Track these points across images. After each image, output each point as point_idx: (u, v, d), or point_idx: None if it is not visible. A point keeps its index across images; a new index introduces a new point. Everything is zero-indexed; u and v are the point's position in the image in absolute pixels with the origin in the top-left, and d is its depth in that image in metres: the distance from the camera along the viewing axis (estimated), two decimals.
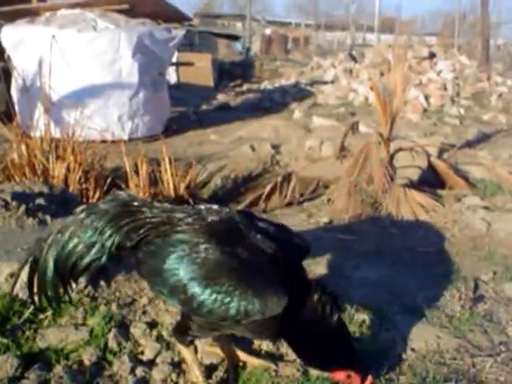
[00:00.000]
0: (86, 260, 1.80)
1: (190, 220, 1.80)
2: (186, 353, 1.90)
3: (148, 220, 1.80)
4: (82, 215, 1.84)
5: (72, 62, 6.66)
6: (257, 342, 2.18)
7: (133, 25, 7.32)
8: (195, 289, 1.69)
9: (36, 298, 1.88)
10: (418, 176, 4.97)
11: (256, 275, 1.71)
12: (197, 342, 2.08)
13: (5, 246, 2.49)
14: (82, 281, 2.35)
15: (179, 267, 1.71)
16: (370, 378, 1.83)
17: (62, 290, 1.88)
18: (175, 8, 8.80)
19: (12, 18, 7.30)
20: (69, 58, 6.64)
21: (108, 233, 1.79)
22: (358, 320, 2.45)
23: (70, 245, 1.80)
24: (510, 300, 2.85)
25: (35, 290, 1.86)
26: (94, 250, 1.79)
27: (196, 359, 1.91)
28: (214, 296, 1.67)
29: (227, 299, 1.66)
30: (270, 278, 1.71)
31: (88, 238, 1.80)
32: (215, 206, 1.90)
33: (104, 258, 1.80)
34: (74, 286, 1.97)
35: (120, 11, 7.52)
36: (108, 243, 1.79)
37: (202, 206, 1.89)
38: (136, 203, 1.87)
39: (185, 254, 1.71)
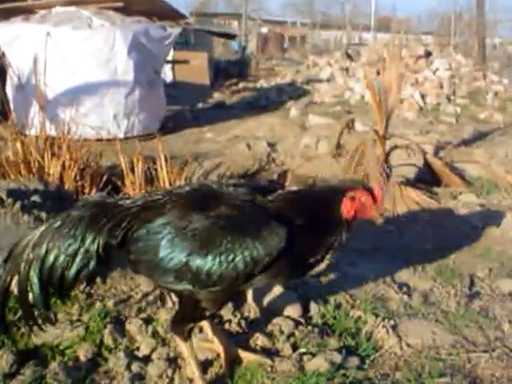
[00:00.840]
0: (73, 270, 1.74)
1: (165, 199, 1.80)
2: (184, 347, 1.88)
3: (126, 212, 1.78)
4: (56, 224, 1.77)
5: (67, 59, 6.63)
6: (252, 338, 2.18)
7: (128, 23, 7.29)
8: (198, 262, 1.68)
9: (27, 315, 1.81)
10: (414, 174, 4.97)
11: (246, 223, 1.72)
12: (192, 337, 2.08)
13: (0, 242, 2.48)
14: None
15: (173, 250, 1.70)
16: (380, 182, 1.83)
17: (51, 305, 1.82)
18: (170, 6, 8.78)
19: (7, 15, 7.26)
20: (64, 55, 6.61)
21: (90, 237, 1.74)
22: (353, 316, 2.46)
23: (51, 258, 1.73)
24: (506, 296, 2.85)
25: (22, 308, 1.81)
26: (78, 258, 1.74)
27: (194, 354, 1.90)
28: (218, 260, 1.67)
29: (231, 256, 1.66)
30: (259, 220, 1.72)
31: (68, 247, 1.74)
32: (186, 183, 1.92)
33: (92, 264, 1.74)
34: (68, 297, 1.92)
35: (115, 9, 7.49)
36: (93, 247, 1.73)
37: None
38: (108, 201, 1.85)
39: (173, 235, 1.71)
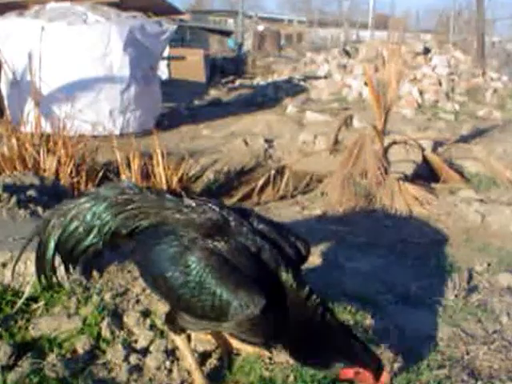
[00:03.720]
0: (85, 243, 1.83)
1: (180, 213, 1.79)
2: (178, 341, 1.89)
3: (142, 209, 1.82)
4: (83, 199, 1.87)
5: (62, 55, 6.58)
6: None
7: (124, 18, 7.24)
8: (175, 283, 1.68)
9: (40, 277, 1.93)
10: (413, 170, 4.97)
11: (235, 275, 1.66)
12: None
13: None
14: (75, 270, 2.32)
15: (162, 259, 1.72)
16: (385, 374, 1.73)
17: (59, 272, 1.91)
18: (166, 2, 8.73)
19: (1, 11, 7.21)
20: (59, 51, 6.56)
21: (105, 219, 1.81)
22: (351, 309, 2.45)
23: (71, 227, 1.83)
24: (504, 290, 2.86)
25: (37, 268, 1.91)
26: (92, 234, 1.82)
27: (189, 347, 1.90)
28: (192, 292, 1.66)
29: (203, 297, 1.65)
30: (250, 280, 1.66)
31: (88, 221, 1.83)
32: (208, 201, 1.87)
33: (101, 243, 1.83)
34: (72, 270, 1.96)
35: (110, 4, 7.45)
36: (105, 229, 1.81)
37: (196, 200, 1.86)
38: (133, 191, 1.86)
39: (168, 247, 1.72)
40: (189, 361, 1.87)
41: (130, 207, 1.82)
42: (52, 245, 1.85)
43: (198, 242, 1.71)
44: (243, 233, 1.75)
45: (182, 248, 1.70)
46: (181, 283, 1.67)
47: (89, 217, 1.83)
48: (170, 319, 1.87)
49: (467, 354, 2.22)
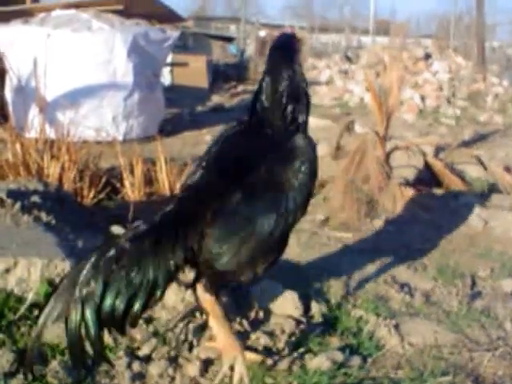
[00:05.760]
0: (140, 301, 1.60)
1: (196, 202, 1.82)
2: (212, 304, 1.87)
3: (180, 230, 1.70)
4: (110, 255, 1.61)
5: (67, 62, 6.63)
6: (253, 338, 2.16)
7: (128, 25, 7.31)
8: (290, 204, 1.83)
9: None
10: (414, 175, 4.97)
11: (277, 170, 1.89)
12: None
13: (0, 242, 2.47)
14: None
15: (262, 217, 1.77)
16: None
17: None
18: (169, 9, 8.79)
19: (6, 18, 7.28)
20: (63, 58, 6.61)
21: (155, 271, 1.61)
22: (355, 315, 2.45)
23: (111, 295, 1.58)
24: (508, 296, 2.85)
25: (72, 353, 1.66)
26: (141, 292, 1.60)
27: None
28: (294, 203, 1.83)
29: (299, 197, 1.86)
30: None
31: (132, 281, 1.59)
32: None
33: (159, 292, 1.64)
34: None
35: (114, 12, 7.51)
36: (161, 279, 1.62)
37: None
38: (162, 224, 1.72)
39: (250, 205, 1.78)
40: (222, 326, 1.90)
41: (169, 237, 1.66)
42: (93, 319, 1.58)
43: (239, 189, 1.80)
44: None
45: (251, 205, 1.78)
46: (289, 198, 1.84)
47: (132, 274, 1.59)
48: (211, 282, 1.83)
49: (471, 360, 2.21)
